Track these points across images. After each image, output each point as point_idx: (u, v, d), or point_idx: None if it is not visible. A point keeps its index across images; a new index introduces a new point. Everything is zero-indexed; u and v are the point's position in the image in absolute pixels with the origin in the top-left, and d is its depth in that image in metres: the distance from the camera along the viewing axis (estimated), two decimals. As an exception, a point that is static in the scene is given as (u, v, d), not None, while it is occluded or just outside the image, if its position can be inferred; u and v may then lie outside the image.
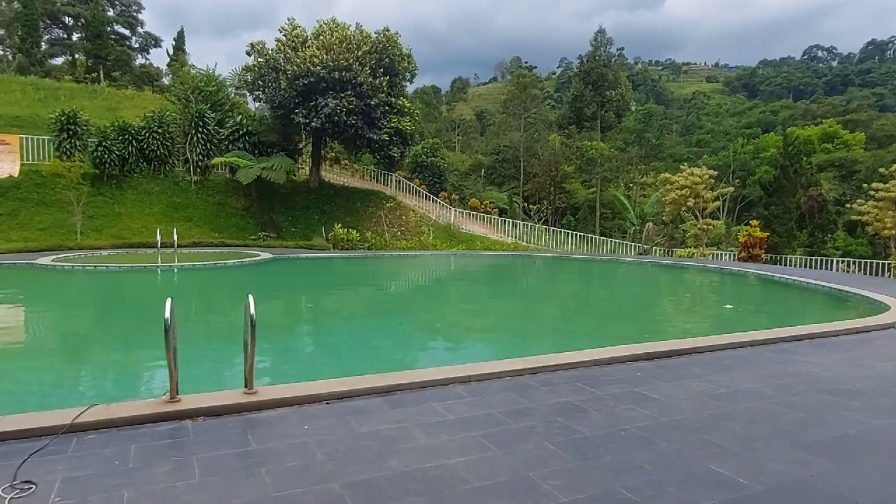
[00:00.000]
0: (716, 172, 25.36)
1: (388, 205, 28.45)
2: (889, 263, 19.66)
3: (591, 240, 30.43)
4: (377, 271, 18.56)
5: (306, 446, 3.53)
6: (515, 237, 29.36)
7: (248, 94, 27.60)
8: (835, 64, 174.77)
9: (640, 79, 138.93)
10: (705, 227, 23.94)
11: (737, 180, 40.58)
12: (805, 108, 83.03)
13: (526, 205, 41.99)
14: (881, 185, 20.32)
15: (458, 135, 72.56)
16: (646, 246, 26.97)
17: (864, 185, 23.14)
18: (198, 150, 25.18)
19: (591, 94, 53.48)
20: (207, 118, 25.43)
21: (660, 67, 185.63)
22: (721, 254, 25.62)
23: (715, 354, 5.96)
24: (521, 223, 31.19)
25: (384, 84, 24.40)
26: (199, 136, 25.16)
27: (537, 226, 30.62)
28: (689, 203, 23.81)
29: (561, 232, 30.36)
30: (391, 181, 31.57)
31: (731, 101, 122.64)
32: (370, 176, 33.11)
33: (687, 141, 63.09)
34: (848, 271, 20.72)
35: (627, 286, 16.78)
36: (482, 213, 31.83)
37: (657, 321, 10.61)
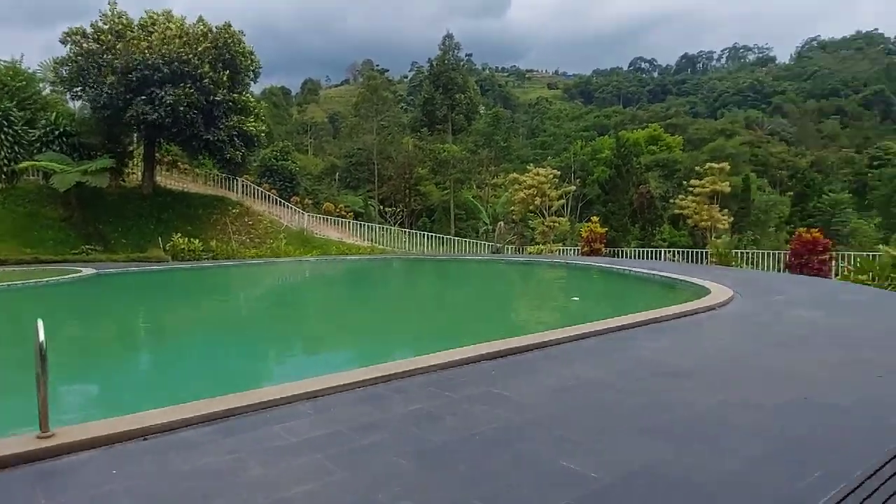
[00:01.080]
0: (559, 172, 26.96)
1: (234, 211, 26.81)
2: (706, 251, 22.08)
3: (447, 241, 30.98)
4: (221, 283, 17.32)
5: (111, 497, 2.95)
6: (372, 241, 29.06)
7: (66, 91, 24.51)
8: (655, 75, 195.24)
9: (487, 84, 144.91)
10: (552, 224, 25.33)
11: (578, 180, 43.63)
12: (633, 113, 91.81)
13: (382, 208, 41.85)
14: (697, 182, 22.85)
15: (311, 137, 70.73)
16: (498, 245, 27.98)
17: (684, 183, 25.85)
18: (2, 153, 21.90)
19: (442, 97, 54.70)
20: (13, 117, 22.23)
21: (506, 74, 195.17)
22: (567, 249, 27.28)
23: (563, 347, 6.09)
24: (378, 226, 30.97)
25: (225, 78, 22.90)
26: (4, 137, 21.90)
27: (393, 228, 30.61)
28: (536, 202, 25.04)
29: (417, 234, 30.56)
30: (237, 186, 29.79)
31: (570, 107, 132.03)
32: (214, 181, 30.99)
33: (532, 143, 66.85)
34: (674, 260, 23.00)
35: (482, 285, 17.19)
36: (337, 217, 31.13)
37: (510, 317, 10.88)
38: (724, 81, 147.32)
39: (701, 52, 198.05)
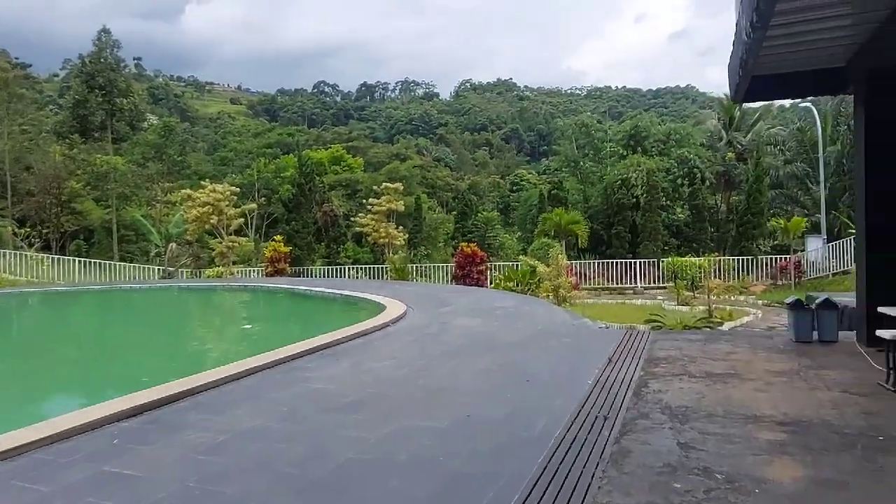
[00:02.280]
0: (238, 189, 25.43)
1: None
2: (386, 267, 23.20)
3: (110, 266, 26.57)
4: None
5: None
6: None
7: None
8: (338, 99, 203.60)
9: (161, 92, 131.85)
10: (231, 244, 23.66)
11: (262, 198, 42.16)
12: (318, 134, 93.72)
13: (19, 229, 33.97)
14: (375, 201, 23.93)
15: None
16: (170, 269, 25.02)
17: (364, 202, 26.85)
18: None
19: (99, 100, 47.31)
20: None
21: (183, 84, 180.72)
22: (251, 270, 25.82)
23: (218, 391, 5.18)
24: (11, 252, 24.88)
25: None
26: None
27: (32, 254, 24.94)
28: (212, 220, 23.08)
29: (68, 260, 25.48)
30: None
31: (254, 124, 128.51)
32: None
33: (213, 159, 62.76)
34: (357, 277, 23.61)
35: (136, 319, 14.71)
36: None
37: (162, 358, 9.28)
38: (399, 111, 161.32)
39: (378, 81, 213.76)
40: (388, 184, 25.13)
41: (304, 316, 13.06)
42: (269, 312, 14.33)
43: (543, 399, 4.94)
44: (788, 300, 6.93)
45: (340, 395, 5.08)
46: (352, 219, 27.47)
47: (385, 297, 11.81)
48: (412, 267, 23.71)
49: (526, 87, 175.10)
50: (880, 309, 6.24)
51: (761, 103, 35.56)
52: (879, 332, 5.03)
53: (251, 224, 39.93)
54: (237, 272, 24.29)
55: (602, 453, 3.66)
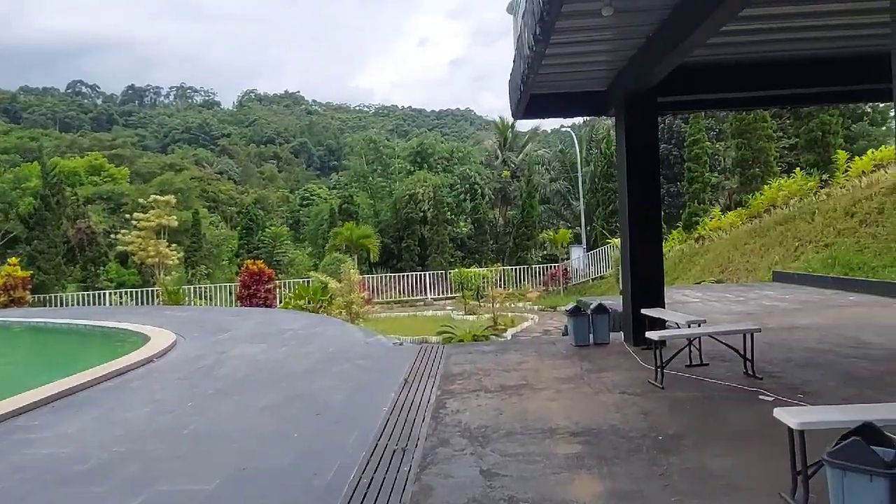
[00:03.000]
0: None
1: None
2: (156, 290, 20.54)
3: None
4: None
5: None
6: None
7: None
8: (99, 102, 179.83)
9: None
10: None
11: (-1, 214, 35.07)
12: (72, 139, 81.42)
13: None
14: (142, 216, 21.09)
15: None
16: None
17: (129, 217, 23.63)
18: None
19: None
20: None
21: None
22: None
23: None
24: None
25: None
26: None
27: None
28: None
29: None
30: None
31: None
32: None
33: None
34: (121, 303, 20.52)
35: None
36: None
37: None
38: (174, 118, 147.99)
39: (149, 85, 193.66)
40: (159, 196, 22.39)
41: (39, 357, 10.76)
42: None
43: (336, 435, 4.40)
44: (567, 307, 7.32)
45: (77, 461, 3.98)
46: (113, 236, 23.89)
47: (151, 326, 10.21)
48: (189, 289, 21.38)
49: (314, 101, 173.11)
50: (644, 311, 6.84)
51: (531, 126, 39.43)
52: (649, 334, 5.40)
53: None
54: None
55: (402, 495, 3.25)
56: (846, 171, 17.24)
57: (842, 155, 18.16)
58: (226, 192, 64.62)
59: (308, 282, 19.92)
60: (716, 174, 25.42)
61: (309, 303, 17.63)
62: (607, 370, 6.03)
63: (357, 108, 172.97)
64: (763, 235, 17.47)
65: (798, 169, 19.42)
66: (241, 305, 20.57)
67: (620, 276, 7.28)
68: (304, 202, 59.27)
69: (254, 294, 20.44)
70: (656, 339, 5.24)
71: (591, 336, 7.22)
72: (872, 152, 17.19)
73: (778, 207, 17.80)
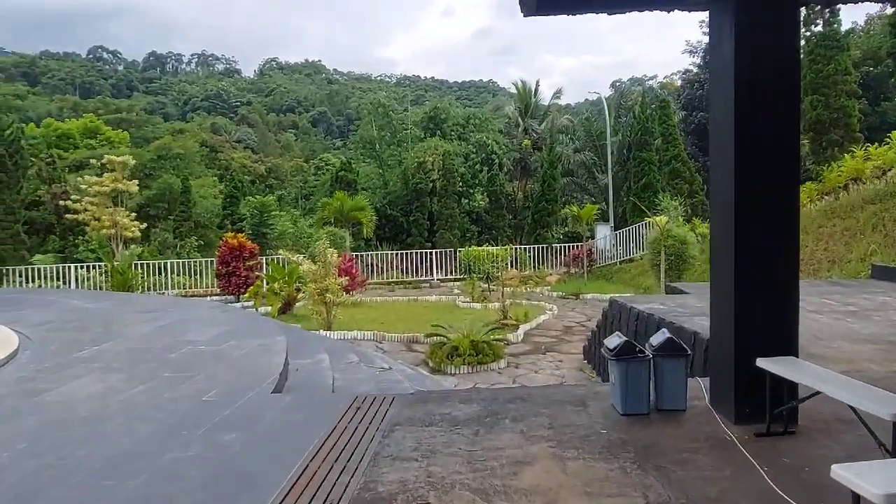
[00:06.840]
0: None
1: None
2: (104, 267, 17.38)
3: None
4: None
5: None
6: None
7: None
8: (120, 68, 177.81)
9: None
10: None
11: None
12: (75, 101, 79.29)
13: None
14: (96, 179, 18.05)
15: None
16: None
17: (80, 180, 20.49)
18: None
19: None
20: None
21: None
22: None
23: None
24: None
25: None
26: None
27: None
28: None
29: None
30: None
31: (11, 89, 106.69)
32: None
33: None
34: (59, 285, 17.52)
35: None
36: None
37: None
38: (195, 86, 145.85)
39: (171, 52, 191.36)
40: (113, 156, 19.32)
41: None
42: None
43: None
44: (610, 343, 4.02)
45: None
46: (61, 203, 20.86)
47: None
48: (158, 265, 18.48)
49: (336, 70, 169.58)
50: (761, 362, 3.55)
51: (552, 93, 35.57)
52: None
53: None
54: None
55: None
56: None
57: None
58: (238, 161, 61.96)
59: (282, 261, 16.81)
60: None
61: (280, 290, 14.61)
62: (696, 484, 2.78)
63: (378, 77, 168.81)
64: (845, 217, 13.82)
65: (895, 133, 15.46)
66: (219, 284, 17.66)
67: (710, 289, 3.94)
68: (318, 171, 56.43)
69: (233, 272, 17.53)
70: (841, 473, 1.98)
71: (653, 395, 3.97)
72: None
73: (866, 181, 14.11)
